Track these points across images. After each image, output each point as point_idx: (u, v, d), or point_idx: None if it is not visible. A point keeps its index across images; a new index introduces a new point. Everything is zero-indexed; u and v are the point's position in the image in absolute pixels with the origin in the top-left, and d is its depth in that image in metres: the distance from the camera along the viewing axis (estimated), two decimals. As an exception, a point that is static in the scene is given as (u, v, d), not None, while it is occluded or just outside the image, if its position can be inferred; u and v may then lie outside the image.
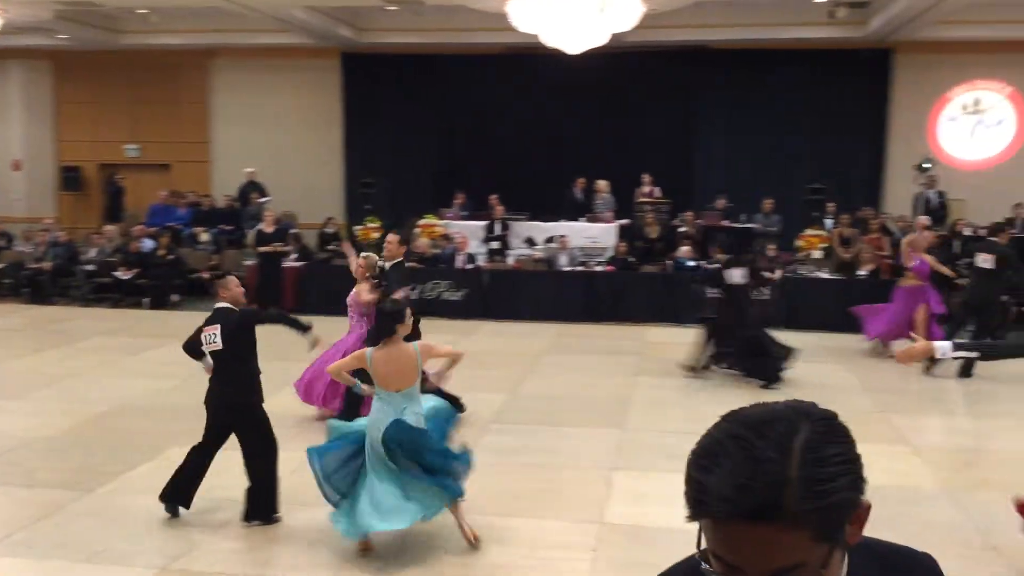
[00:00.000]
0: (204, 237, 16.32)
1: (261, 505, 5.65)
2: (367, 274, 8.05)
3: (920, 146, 16.56)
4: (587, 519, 5.75)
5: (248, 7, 14.88)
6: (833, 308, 12.84)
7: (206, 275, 15.65)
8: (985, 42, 16.13)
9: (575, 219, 15.13)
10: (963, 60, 16.65)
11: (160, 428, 7.67)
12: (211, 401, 5.74)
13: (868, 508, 1.13)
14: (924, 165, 15.20)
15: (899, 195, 16.51)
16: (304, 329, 6.34)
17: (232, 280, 5.98)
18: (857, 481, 1.10)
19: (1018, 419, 8.37)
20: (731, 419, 1.14)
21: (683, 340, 12.11)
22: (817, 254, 14.45)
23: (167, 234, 15.58)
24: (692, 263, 13.97)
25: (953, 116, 17.06)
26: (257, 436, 5.66)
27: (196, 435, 5.84)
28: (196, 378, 6.35)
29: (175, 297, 14.93)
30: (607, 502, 6.04)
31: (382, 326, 5.36)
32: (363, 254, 8.41)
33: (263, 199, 16.63)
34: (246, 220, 16.45)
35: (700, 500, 1.10)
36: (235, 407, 5.70)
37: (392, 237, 8.47)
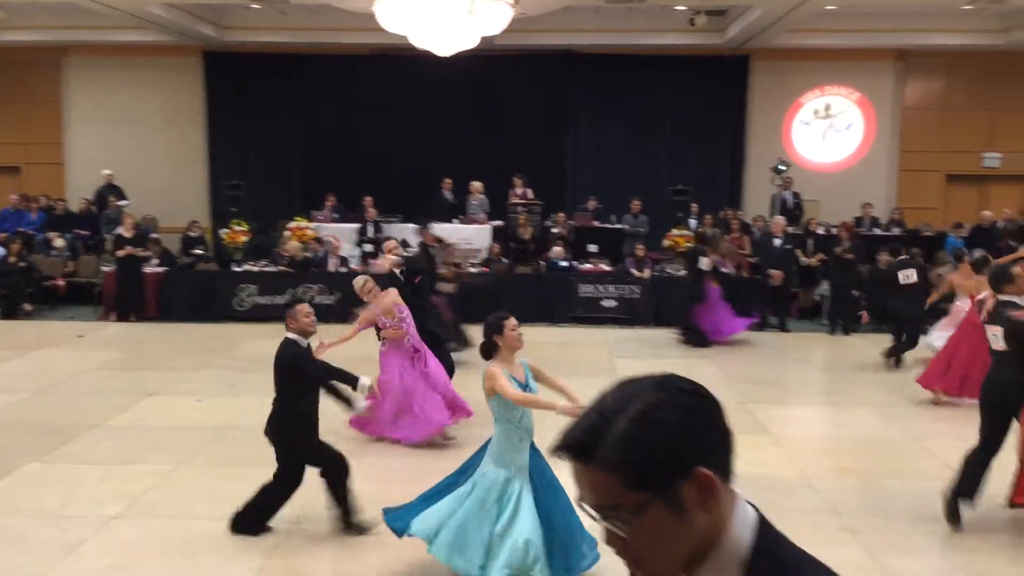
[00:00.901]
0: (58, 243, 15.49)
1: (248, 520, 5.52)
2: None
3: (776, 149, 17.34)
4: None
5: (103, 3, 14.22)
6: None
7: (61, 282, 14.89)
8: (834, 50, 17.03)
9: (449, 221, 15.13)
10: (814, 67, 17.52)
11: (12, 443, 7.24)
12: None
13: (706, 477, 1.22)
14: (780, 167, 15.91)
15: (758, 196, 17.24)
16: (349, 391, 5.95)
17: (301, 310, 5.63)
18: (678, 445, 1.22)
19: (871, 407, 8.86)
20: (617, 383, 1.32)
21: (558, 339, 12.35)
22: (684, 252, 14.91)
23: (18, 240, 14.71)
24: (565, 263, 14.20)
25: (806, 120, 17.94)
26: (282, 472, 5.56)
27: (49, 450, 5.54)
28: (50, 392, 6.03)
29: (28, 306, 14.11)
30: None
31: (487, 340, 4.92)
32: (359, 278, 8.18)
33: (122, 202, 15.94)
34: (104, 224, 15.72)
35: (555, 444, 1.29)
36: (270, 438, 5.61)
37: (391, 244, 8.33)
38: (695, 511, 1.23)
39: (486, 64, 16.49)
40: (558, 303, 13.56)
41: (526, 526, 4.51)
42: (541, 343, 12.01)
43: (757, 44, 16.77)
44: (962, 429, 7.94)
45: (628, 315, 13.44)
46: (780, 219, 14.07)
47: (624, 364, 10.64)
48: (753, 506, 1.31)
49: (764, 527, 1.28)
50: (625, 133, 17.90)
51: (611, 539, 1.26)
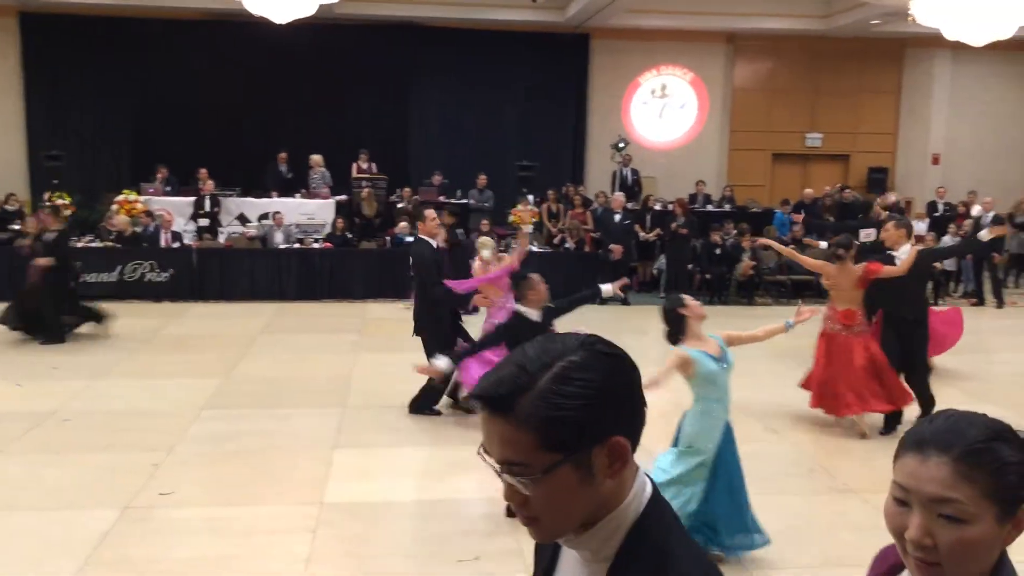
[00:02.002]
0: None
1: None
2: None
3: (616, 126, 17.78)
4: (306, 501, 5.63)
5: None
6: (546, 280, 13.48)
7: None
8: (669, 31, 17.59)
9: (291, 195, 14.70)
10: (651, 47, 18.04)
11: None
12: None
13: (619, 444, 1.21)
14: (619, 144, 16.32)
15: (600, 172, 17.65)
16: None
17: (429, 214, 5.83)
18: (598, 410, 1.19)
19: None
20: (544, 336, 1.30)
21: (404, 315, 12.25)
22: (528, 228, 15.08)
23: None
24: (410, 238, 14.07)
25: (644, 100, 18.47)
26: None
27: None
28: None
29: None
30: (327, 482, 5.95)
31: (671, 323, 4.72)
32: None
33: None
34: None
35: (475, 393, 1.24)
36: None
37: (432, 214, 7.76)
38: (602, 477, 1.21)
39: (328, 34, 16.10)
40: (405, 279, 13.41)
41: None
42: (386, 319, 11.95)
43: (597, 23, 17.09)
44: (787, 390, 8.41)
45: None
46: (620, 195, 14.45)
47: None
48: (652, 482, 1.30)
49: (655, 502, 1.28)
50: (470, 108, 17.89)
51: (510, 494, 1.23)
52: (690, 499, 4.61)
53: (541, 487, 1.20)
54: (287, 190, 14.92)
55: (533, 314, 5.73)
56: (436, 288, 7.30)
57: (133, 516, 5.37)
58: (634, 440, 1.25)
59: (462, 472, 6.20)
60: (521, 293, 5.85)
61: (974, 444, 1.21)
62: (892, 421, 7.21)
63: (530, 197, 15.69)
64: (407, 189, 15.44)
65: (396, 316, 12.21)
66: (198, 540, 5.07)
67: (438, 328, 7.40)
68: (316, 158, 15.40)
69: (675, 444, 4.78)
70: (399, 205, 14.91)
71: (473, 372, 6.73)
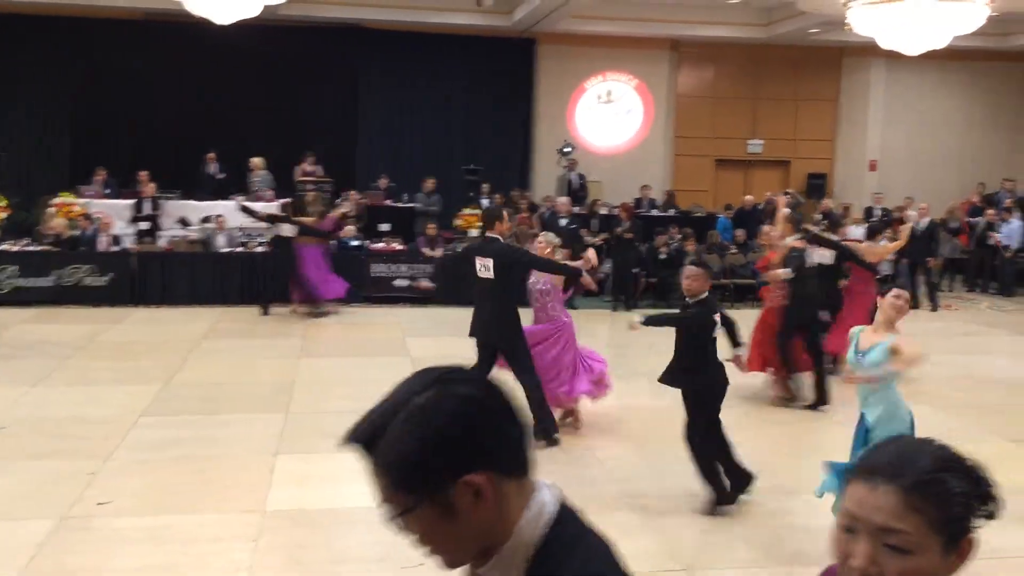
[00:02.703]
0: None
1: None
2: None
3: (562, 131, 17.90)
4: (248, 509, 5.58)
5: None
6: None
7: None
8: (615, 37, 17.75)
9: (225, 197, 14.45)
10: (597, 53, 18.19)
11: None
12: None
13: (474, 483, 1.20)
14: (565, 149, 16.43)
15: (546, 176, 17.74)
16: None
17: (692, 270, 5.87)
18: (442, 452, 1.19)
19: (652, 377, 9.35)
20: (412, 375, 1.30)
21: (350, 319, 12.20)
22: (475, 232, 15.09)
23: None
24: (356, 242, 14.01)
25: (590, 104, 18.61)
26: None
27: None
28: None
29: None
30: (269, 489, 5.90)
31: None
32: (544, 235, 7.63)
33: None
34: None
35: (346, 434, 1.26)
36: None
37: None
38: (468, 513, 1.21)
39: (273, 35, 15.96)
40: (350, 283, 13.36)
41: None
42: (334, 324, 11.88)
43: (543, 28, 17.18)
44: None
45: (420, 294, 13.45)
46: (564, 200, 14.55)
47: (416, 343, 10.67)
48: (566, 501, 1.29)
49: (562, 521, 1.27)
50: (417, 111, 17.86)
51: (404, 528, 1.25)
52: None
53: (412, 525, 1.22)
54: (218, 191, 14.70)
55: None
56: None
57: (71, 526, 5.28)
58: (510, 468, 1.24)
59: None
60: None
61: (923, 475, 1.22)
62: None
63: (484, 202, 15.72)
64: (353, 192, 15.35)
65: (340, 320, 12.16)
66: (137, 550, 5.00)
67: (522, 337, 6.99)
68: (256, 160, 15.22)
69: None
70: (344, 209, 14.81)
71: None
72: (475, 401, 1.23)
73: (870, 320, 9.33)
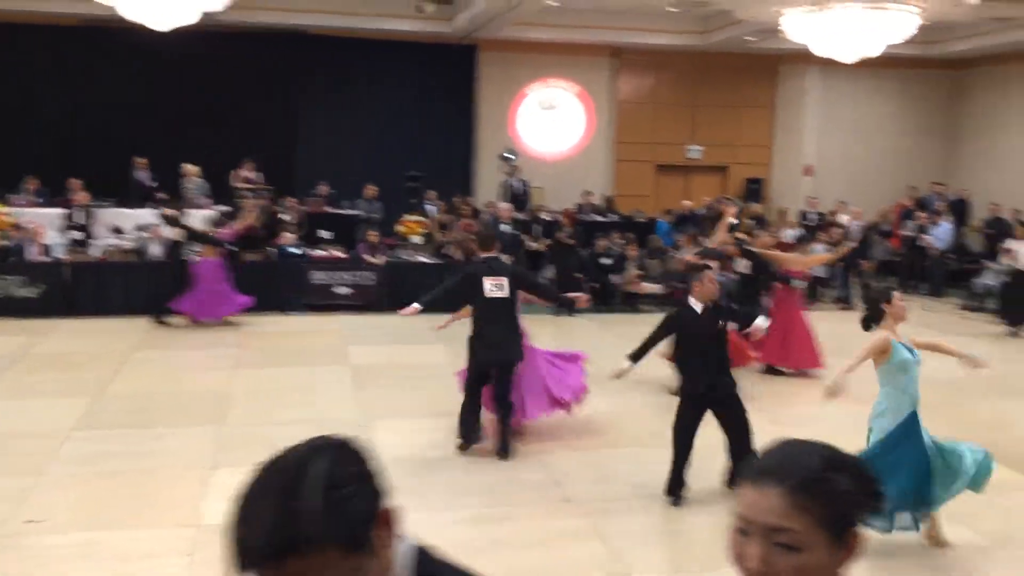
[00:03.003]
0: None
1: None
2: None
3: (504, 137, 17.92)
4: (183, 523, 5.46)
5: None
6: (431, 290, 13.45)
7: None
8: (556, 44, 17.84)
9: (155, 205, 14.15)
10: (539, 60, 18.27)
11: None
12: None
13: (390, 513, 1.24)
14: (507, 155, 16.45)
15: (489, 183, 17.74)
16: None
17: (708, 275, 5.92)
18: (372, 492, 1.22)
19: (593, 383, 9.40)
20: (260, 468, 1.22)
21: (290, 328, 12.04)
22: (417, 239, 15.04)
23: None
24: (296, 250, 13.85)
25: (531, 111, 18.68)
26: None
27: None
28: None
29: None
30: (205, 503, 5.78)
31: (870, 310, 5.22)
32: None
33: None
34: None
35: (240, 556, 1.16)
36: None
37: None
38: (383, 550, 1.24)
39: (212, 41, 15.71)
40: (289, 291, 13.21)
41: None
42: (272, 333, 11.70)
43: (485, 34, 17.20)
44: (671, 400, 8.60)
45: (362, 302, 13.36)
46: (505, 206, 14.57)
47: (358, 351, 10.57)
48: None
49: (423, 555, 1.33)
50: (359, 118, 17.72)
51: None
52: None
53: None
54: (148, 198, 14.41)
55: (698, 307, 5.95)
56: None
57: (1, 544, 5.11)
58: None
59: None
60: (691, 286, 6.08)
61: (808, 475, 1.26)
62: None
63: (431, 208, 15.68)
64: (293, 199, 15.17)
65: (279, 328, 11.99)
66: (70, 567, 4.87)
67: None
68: (189, 167, 14.94)
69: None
70: (283, 216, 14.64)
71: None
72: (355, 447, 1.29)
73: (801, 324, 9.54)
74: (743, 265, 9.42)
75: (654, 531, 5.56)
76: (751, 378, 9.25)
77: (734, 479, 5.56)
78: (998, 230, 15.75)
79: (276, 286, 13.20)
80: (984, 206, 16.98)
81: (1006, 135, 18.28)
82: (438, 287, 6.88)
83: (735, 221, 10.69)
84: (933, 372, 6.48)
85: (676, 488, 5.87)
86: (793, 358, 9.68)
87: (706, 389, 5.82)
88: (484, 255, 6.99)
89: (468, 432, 6.87)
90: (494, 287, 6.74)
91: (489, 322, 6.81)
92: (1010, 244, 12.93)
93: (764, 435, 6.86)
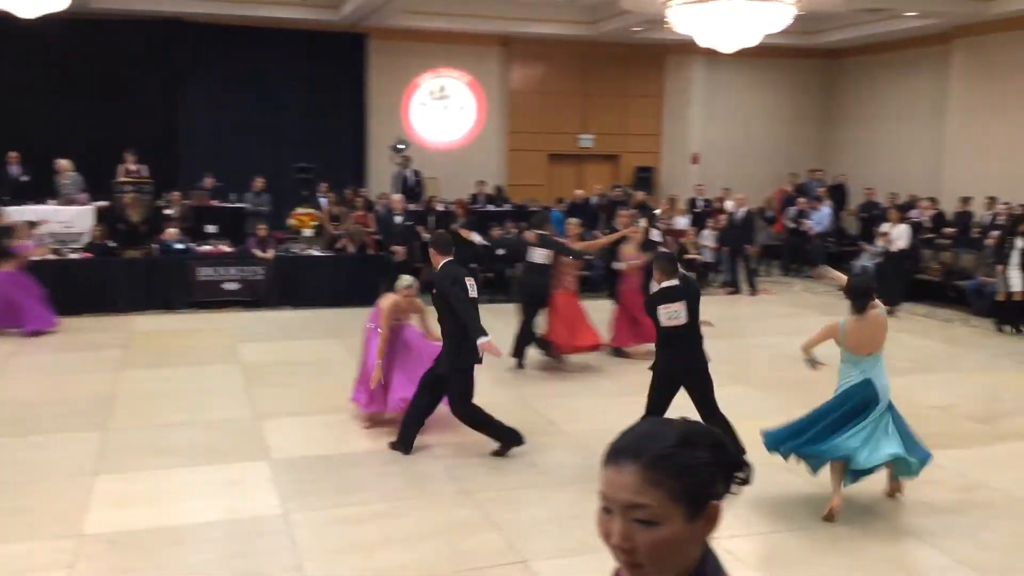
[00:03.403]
0: None
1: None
2: None
3: (396, 128, 17.75)
4: (63, 534, 5.23)
5: None
6: (326, 284, 13.27)
7: None
8: (446, 33, 17.77)
9: (28, 201, 13.50)
10: (429, 49, 18.15)
11: None
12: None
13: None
14: (399, 146, 16.30)
15: (381, 174, 17.55)
16: None
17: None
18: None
19: (485, 373, 9.42)
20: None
21: (177, 326, 11.65)
22: (308, 232, 14.77)
23: None
24: (181, 245, 13.41)
25: (423, 100, 18.55)
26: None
27: None
28: None
29: None
30: (87, 512, 5.55)
31: (857, 301, 5.69)
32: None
33: None
34: None
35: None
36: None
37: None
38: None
39: (85, 30, 15.06)
40: (175, 288, 12.78)
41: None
42: (158, 332, 11.30)
43: (373, 23, 16.99)
44: (561, 387, 8.72)
45: (252, 297, 13.05)
46: (398, 197, 14.45)
47: (248, 349, 10.33)
48: None
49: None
50: (244, 108, 17.27)
51: None
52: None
53: None
54: (20, 194, 13.75)
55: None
56: None
57: None
58: None
59: (240, 491, 5.98)
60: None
61: (661, 451, 1.30)
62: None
63: (322, 200, 15.40)
64: (176, 193, 14.68)
65: (167, 327, 11.60)
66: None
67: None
68: (63, 162, 14.29)
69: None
70: (167, 211, 14.16)
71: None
72: None
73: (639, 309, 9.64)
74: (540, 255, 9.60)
75: (550, 519, 5.61)
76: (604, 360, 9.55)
77: None
78: (872, 214, 16.49)
79: (160, 283, 12.77)
80: (860, 191, 17.74)
81: (878, 122, 19.13)
82: (468, 308, 6.53)
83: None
84: (819, 352, 6.76)
85: None
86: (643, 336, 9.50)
87: (674, 368, 6.34)
88: (446, 259, 6.83)
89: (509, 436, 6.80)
90: (472, 287, 6.68)
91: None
92: (884, 227, 13.53)
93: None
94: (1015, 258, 11.62)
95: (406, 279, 7.56)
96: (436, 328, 7.20)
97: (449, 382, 6.61)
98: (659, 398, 6.35)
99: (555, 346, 9.50)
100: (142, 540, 5.18)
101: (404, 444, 6.72)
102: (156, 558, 4.99)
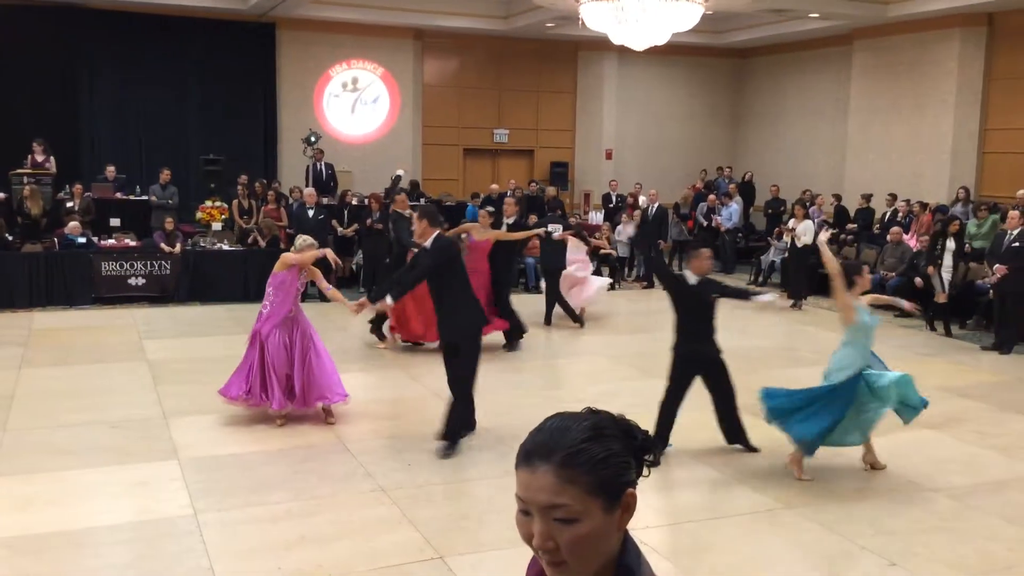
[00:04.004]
0: None
1: None
2: None
3: (308, 120, 17.46)
4: (-44, 541, 4.99)
5: None
6: (237, 279, 12.99)
7: None
8: (358, 25, 17.54)
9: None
10: (341, 40, 17.90)
11: None
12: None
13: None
14: (310, 139, 16.04)
15: (293, 167, 17.25)
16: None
17: (705, 252, 6.67)
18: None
19: (398, 368, 9.36)
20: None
21: (80, 323, 11.24)
22: (218, 226, 14.42)
23: None
24: (83, 240, 12.93)
25: (336, 93, 18.29)
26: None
27: None
28: None
29: None
30: (-18, 517, 5.32)
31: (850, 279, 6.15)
32: None
33: None
34: None
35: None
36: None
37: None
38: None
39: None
40: (77, 284, 12.33)
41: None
42: (61, 329, 10.88)
43: (282, 13, 16.67)
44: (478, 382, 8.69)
45: (159, 293, 12.69)
46: (311, 190, 14.22)
47: (155, 346, 10.03)
48: None
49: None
50: (149, 99, 16.78)
51: None
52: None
53: None
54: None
55: (692, 279, 6.64)
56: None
57: None
58: None
59: (148, 492, 5.81)
60: (688, 260, 6.88)
61: (570, 448, 1.30)
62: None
63: (232, 193, 15.06)
64: (78, 185, 14.15)
65: (69, 324, 11.18)
66: None
67: None
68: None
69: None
70: (68, 204, 13.65)
71: None
72: None
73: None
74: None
75: (466, 515, 5.61)
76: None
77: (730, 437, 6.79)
78: (777, 210, 16.96)
79: (62, 279, 12.30)
80: (768, 188, 18.23)
81: (784, 120, 19.68)
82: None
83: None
84: (729, 344, 6.91)
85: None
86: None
87: (693, 353, 6.61)
88: (436, 231, 6.71)
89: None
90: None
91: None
92: (791, 223, 13.92)
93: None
94: (947, 260, 11.86)
95: (306, 238, 7.49)
96: (331, 290, 7.58)
97: (461, 350, 6.58)
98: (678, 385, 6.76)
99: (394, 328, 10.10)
100: (44, 544, 4.98)
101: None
102: (59, 562, 4.81)
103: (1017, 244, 10.67)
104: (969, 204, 14.41)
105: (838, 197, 16.49)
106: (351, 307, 6.99)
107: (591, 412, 1.37)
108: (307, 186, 15.24)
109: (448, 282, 6.58)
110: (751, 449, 6.76)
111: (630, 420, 1.38)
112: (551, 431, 1.33)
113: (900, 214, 14.72)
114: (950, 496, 6.04)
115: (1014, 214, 10.98)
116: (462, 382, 6.60)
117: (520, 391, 8.52)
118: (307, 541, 5.12)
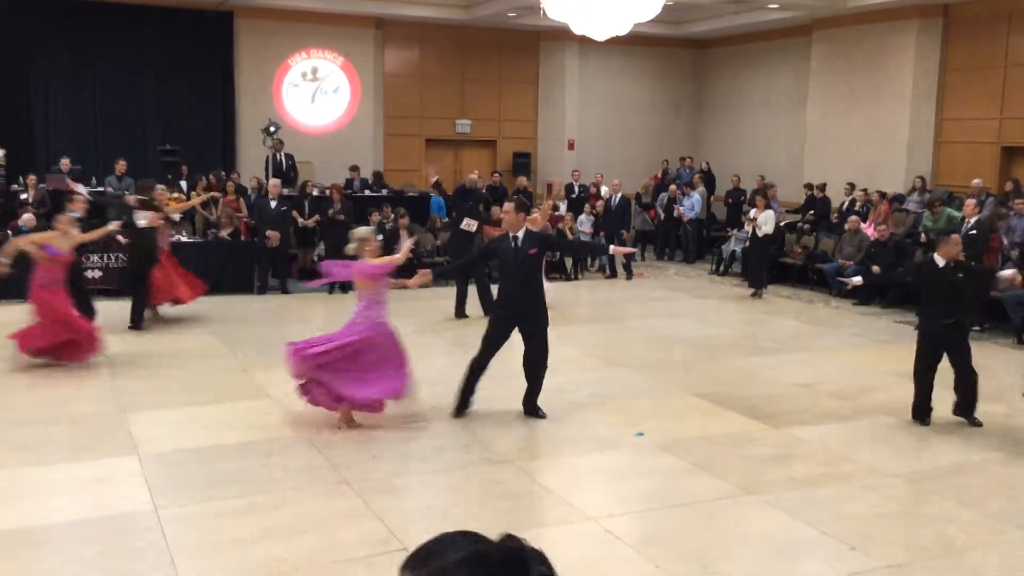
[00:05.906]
0: None
1: None
2: None
3: (267, 110, 17.26)
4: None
5: None
6: (196, 271, 12.79)
7: None
8: (318, 14, 17.37)
9: None
10: (300, 29, 17.70)
11: None
12: None
13: None
14: (270, 129, 15.87)
15: (253, 157, 17.04)
16: None
17: (955, 238, 7.15)
18: None
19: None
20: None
21: (27, 318, 11.00)
22: (176, 218, 14.18)
23: None
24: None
25: (295, 82, 18.09)
26: None
27: None
28: None
29: None
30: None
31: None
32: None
33: None
34: None
35: None
36: None
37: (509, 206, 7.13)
38: None
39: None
40: (28, 277, 12.05)
41: None
42: (13, 323, 10.62)
43: (240, 1, 16.45)
44: (442, 373, 8.69)
45: (114, 286, 12.48)
46: (275, 181, 14.07)
47: (111, 340, 9.82)
48: None
49: None
50: (104, 88, 16.51)
51: None
52: None
53: None
54: None
55: (940, 262, 7.19)
56: None
57: None
58: None
59: (107, 488, 5.72)
60: (938, 245, 7.40)
61: (436, 570, 1.23)
62: None
63: (183, 184, 14.83)
64: (32, 176, 13.87)
65: (14, 319, 10.94)
66: None
67: None
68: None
69: None
70: (22, 196, 13.37)
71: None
72: None
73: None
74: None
75: (431, 505, 5.60)
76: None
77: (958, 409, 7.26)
78: (738, 200, 17.10)
79: (15, 271, 12.01)
80: (728, 178, 18.37)
81: (745, 110, 19.83)
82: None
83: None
84: (691, 333, 6.93)
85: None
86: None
87: (943, 329, 7.10)
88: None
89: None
90: None
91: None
92: (752, 213, 14.05)
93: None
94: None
95: (364, 229, 7.53)
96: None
97: (543, 335, 7.23)
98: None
99: (153, 298, 10.72)
100: (2, 541, 4.89)
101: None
102: (17, 560, 4.72)
103: (974, 232, 10.86)
104: (925, 194, 14.64)
105: (809, 187, 16.61)
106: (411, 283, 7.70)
107: (477, 541, 1.29)
108: (267, 177, 15.09)
109: (540, 267, 7.49)
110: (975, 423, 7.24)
111: (542, 559, 1.27)
112: (435, 545, 1.27)
113: (858, 203, 14.92)
114: (908, 481, 6.14)
115: (970, 203, 11.18)
116: (545, 355, 7.21)
117: (484, 382, 8.50)
118: (270, 535, 5.07)
